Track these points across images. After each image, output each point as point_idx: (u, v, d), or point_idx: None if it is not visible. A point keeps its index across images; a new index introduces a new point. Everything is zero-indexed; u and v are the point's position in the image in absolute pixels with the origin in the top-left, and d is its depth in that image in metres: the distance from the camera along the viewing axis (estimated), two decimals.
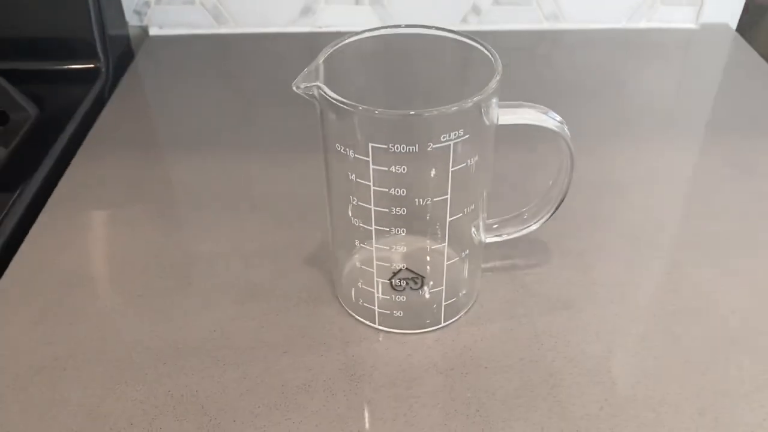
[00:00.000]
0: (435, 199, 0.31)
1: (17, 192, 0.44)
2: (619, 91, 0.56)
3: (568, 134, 0.34)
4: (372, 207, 0.31)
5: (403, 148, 0.29)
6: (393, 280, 0.34)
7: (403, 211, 0.31)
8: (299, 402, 0.33)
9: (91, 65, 0.56)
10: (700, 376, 0.34)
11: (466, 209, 0.32)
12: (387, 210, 0.31)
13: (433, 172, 0.30)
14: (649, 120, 0.53)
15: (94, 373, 0.34)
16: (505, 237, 0.37)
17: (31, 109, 0.51)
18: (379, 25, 0.33)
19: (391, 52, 0.33)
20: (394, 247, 0.32)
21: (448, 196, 0.31)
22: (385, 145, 0.29)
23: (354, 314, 0.37)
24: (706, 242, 0.41)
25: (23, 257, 0.41)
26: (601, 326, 0.36)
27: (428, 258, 0.34)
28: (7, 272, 0.40)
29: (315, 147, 0.33)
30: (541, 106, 0.34)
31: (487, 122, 0.31)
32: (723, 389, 0.33)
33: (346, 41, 0.32)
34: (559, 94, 0.55)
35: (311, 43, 0.62)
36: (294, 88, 0.30)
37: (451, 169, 0.30)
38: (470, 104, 0.28)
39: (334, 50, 0.32)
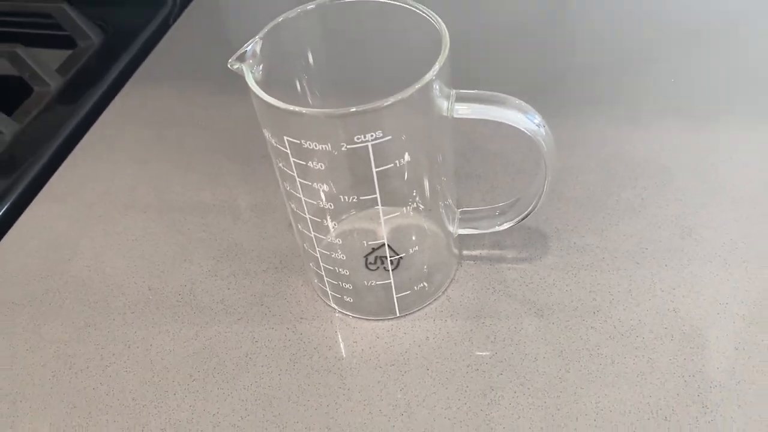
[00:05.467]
0: (362, 198, 0.29)
1: (62, 127, 0.47)
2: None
3: (546, 141, 0.30)
4: (302, 197, 0.30)
5: (316, 145, 0.26)
6: (337, 269, 0.33)
7: (331, 206, 0.29)
8: (235, 374, 0.33)
9: None
10: (662, 420, 0.30)
11: (405, 208, 0.30)
12: (315, 203, 0.29)
13: (356, 171, 0.28)
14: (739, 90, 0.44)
15: (71, 313, 0.37)
16: (477, 231, 0.34)
17: (96, 37, 0.54)
18: None
19: (334, 23, 0.30)
20: (333, 239, 0.31)
21: (377, 195, 0.28)
22: (299, 140, 0.27)
23: (314, 290, 0.36)
24: (744, 264, 0.35)
25: (48, 189, 0.44)
26: (570, 342, 0.33)
27: (369, 249, 0.32)
28: (31, 205, 0.44)
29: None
30: (516, 100, 0.30)
31: (421, 119, 0.27)
32: None
33: (289, 15, 0.30)
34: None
35: None
36: (229, 66, 0.29)
37: (374, 170, 0.27)
38: (386, 105, 0.25)
39: (275, 25, 0.30)
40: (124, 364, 0.34)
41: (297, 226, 0.32)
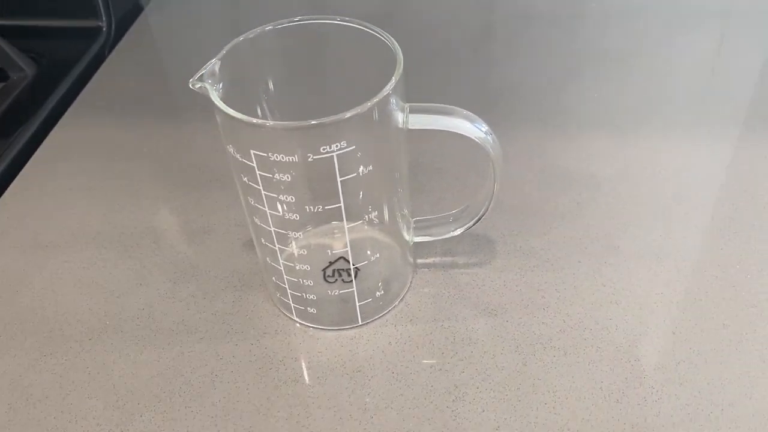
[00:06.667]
0: (326, 207, 0.30)
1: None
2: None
3: (494, 147, 0.32)
4: (267, 210, 0.30)
5: (283, 157, 0.28)
6: (301, 280, 0.33)
7: (296, 216, 0.30)
8: (202, 391, 0.33)
9: (92, 23, 0.57)
10: (615, 403, 0.32)
11: (366, 216, 0.31)
12: (279, 215, 0.30)
13: (320, 182, 0.29)
14: (654, 103, 0.48)
15: (24, 344, 0.36)
16: (432, 238, 0.36)
17: (29, 69, 0.53)
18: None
19: (293, 43, 0.32)
20: (296, 250, 0.32)
21: (341, 204, 0.30)
22: (265, 153, 0.28)
23: (276, 304, 0.37)
24: (674, 256, 0.38)
25: None
26: (524, 337, 0.35)
27: (327, 262, 0.33)
28: None
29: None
30: (464, 111, 0.32)
31: (380, 131, 0.29)
32: None
33: (248, 36, 0.31)
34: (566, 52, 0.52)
35: None
36: (190, 86, 0.30)
37: (339, 179, 0.29)
38: (347, 117, 0.27)
39: (234, 46, 0.31)
40: (85, 391, 0.34)
41: (260, 240, 0.33)
